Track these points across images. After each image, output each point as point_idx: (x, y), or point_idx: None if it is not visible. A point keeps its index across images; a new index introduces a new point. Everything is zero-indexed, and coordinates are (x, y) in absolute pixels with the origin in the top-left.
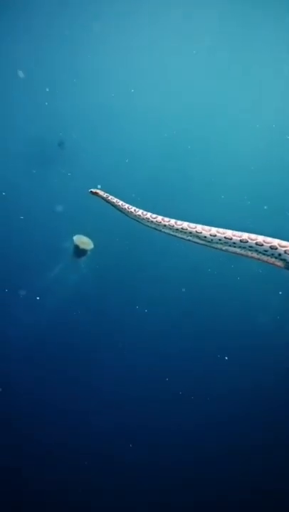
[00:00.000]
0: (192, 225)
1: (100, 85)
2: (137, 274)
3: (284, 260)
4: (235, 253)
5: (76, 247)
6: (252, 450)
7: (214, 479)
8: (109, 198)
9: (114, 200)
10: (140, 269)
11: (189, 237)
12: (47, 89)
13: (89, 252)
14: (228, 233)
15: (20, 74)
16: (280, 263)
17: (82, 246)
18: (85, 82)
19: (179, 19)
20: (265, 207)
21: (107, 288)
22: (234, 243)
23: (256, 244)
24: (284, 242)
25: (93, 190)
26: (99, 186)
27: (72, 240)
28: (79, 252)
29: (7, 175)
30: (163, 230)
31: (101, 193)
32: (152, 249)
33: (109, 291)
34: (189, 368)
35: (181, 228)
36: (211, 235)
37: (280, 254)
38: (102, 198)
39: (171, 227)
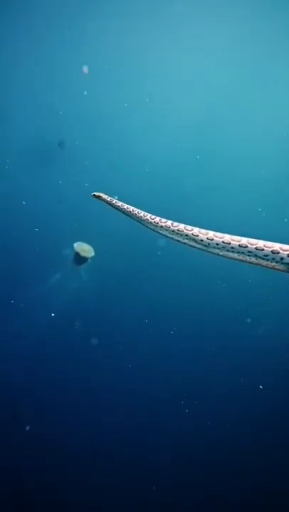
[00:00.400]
0: (189, 227)
1: (101, 85)
2: (139, 282)
3: (287, 264)
4: (232, 258)
5: (77, 254)
6: (252, 451)
7: (214, 480)
8: (114, 201)
9: (120, 203)
10: (142, 277)
11: (186, 240)
12: (85, 93)
13: (90, 260)
14: (226, 238)
15: (85, 70)
16: (281, 267)
17: (82, 254)
18: (86, 83)
19: (188, 28)
20: (286, 219)
21: (107, 297)
22: (232, 248)
23: (256, 249)
24: (286, 246)
25: (96, 193)
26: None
27: (73, 247)
28: (79, 259)
29: (7, 175)
30: (160, 231)
31: (104, 196)
32: (154, 257)
33: (110, 300)
34: (190, 375)
35: (177, 230)
36: (208, 239)
37: (282, 258)
38: (106, 201)
39: (167, 229)
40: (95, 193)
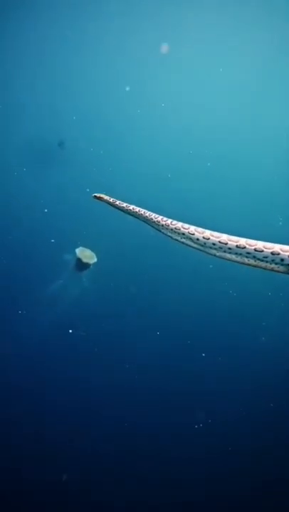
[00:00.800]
0: (186, 225)
1: (101, 86)
2: (141, 288)
3: (287, 265)
4: (230, 260)
5: (79, 260)
6: (253, 452)
7: (215, 480)
8: (116, 202)
9: (124, 204)
10: (144, 283)
11: (183, 239)
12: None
13: (92, 266)
14: (224, 238)
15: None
16: (281, 268)
17: (85, 260)
18: (87, 83)
19: (192, 27)
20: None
21: (109, 304)
22: (230, 249)
23: (255, 250)
24: (286, 247)
25: (97, 194)
26: (88, 190)
27: (75, 253)
28: (81, 265)
29: (7, 177)
30: (162, 230)
31: (106, 197)
32: (158, 263)
33: (112, 307)
34: (192, 380)
35: (175, 228)
36: (204, 238)
37: (282, 260)
38: (107, 202)
39: (167, 227)
40: (96, 194)
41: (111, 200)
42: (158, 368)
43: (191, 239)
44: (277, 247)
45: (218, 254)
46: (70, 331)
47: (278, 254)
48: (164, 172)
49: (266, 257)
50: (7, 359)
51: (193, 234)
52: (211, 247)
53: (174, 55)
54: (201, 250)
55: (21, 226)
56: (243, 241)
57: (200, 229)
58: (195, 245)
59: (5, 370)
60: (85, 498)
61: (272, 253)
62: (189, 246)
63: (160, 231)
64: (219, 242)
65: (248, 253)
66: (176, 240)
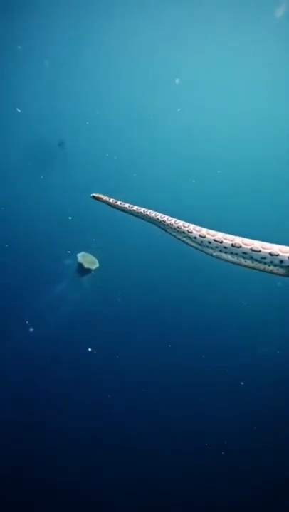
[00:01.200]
0: (186, 224)
1: (101, 86)
2: (143, 295)
3: (286, 267)
4: (227, 261)
5: (80, 265)
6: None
7: (216, 484)
8: (117, 202)
9: (126, 205)
10: (147, 290)
11: (184, 239)
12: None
13: (93, 272)
14: (219, 236)
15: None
16: (281, 271)
17: (86, 265)
18: (87, 83)
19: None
20: None
21: (111, 310)
22: (225, 248)
23: (252, 250)
24: (286, 248)
25: (95, 194)
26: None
27: (77, 258)
28: (83, 270)
29: (8, 177)
30: (168, 230)
31: (105, 197)
32: (162, 270)
33: (113, 314)
34: (194, 388)
35: (177, 227)
36: (200, 236)
37: (282, 261)
38: (106, 202)
39: (170, 226)
40: (94, 194)
41: (111, 201)
42: (160, 375)
43: (190, 237)
44: (276, 248)
45: (214, 254)
46: (90, 349)
47: (277, 255)
48: (170, 174)
49: (264, 258)
50: (7, 365)
51: (192, 232)
52: (207, 246)
53: (176, 55)
54: (199, 250)
55: (22, 231)
56: (238, 240)
57: (198, 227)
58: (194, 244)
59: (5, 376)
60: (86, 498)
61: (270, 254)
62: (190, 246)
63: (166, 231)
64: (214, 240)
65: (245, 253)
66: (179, 239)
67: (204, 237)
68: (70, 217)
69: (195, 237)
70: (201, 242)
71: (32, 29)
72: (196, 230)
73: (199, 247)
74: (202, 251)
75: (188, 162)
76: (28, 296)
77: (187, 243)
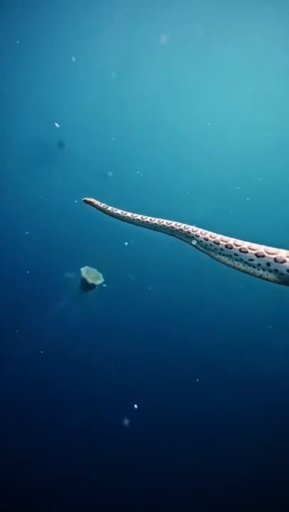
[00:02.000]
0: (189, 227)
1: (102, 86)
2: (147, 310)
3: (275, 271)
4: (225, 264)
5: (84, 280)
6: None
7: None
8: (108, 208)
9: (119, 211)
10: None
11: (187, 240)
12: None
13: (97, 287)
14: (217, 238)
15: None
16: (270, 276)
17: (90, 280)
18: (86, 84)
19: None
20: None
21: (114, 325)
22: (221, 250)
23: (240, 251)
24: (272, 249)
25: (87, 199)
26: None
27: (80, 272)
28: (86, 286)
29: (7, 177)
30: (164, 231)
31: (96, 202)
32: (168, 285)
33: (116, 329)
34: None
35: (179, 230)
36: (204, 239)
37: (268, 264)
38: (97, 207)
39: (163, 226)
40: (86, 199)
41: (102, 206)
42: (165, 390)
43: (189, 237)
44: (261, 248)
45: (216, 257)
46: (136, 406)
47: (263, 256)
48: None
49: (252, 260)
50: (10, 380)
51: (198, 236)
52: (210, 249)
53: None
54: (205, 253)
55: (24, 243)
56: (231, 241)
57: (204, 230)
58: (201, 248)
59: (8, 389)
60: (85, 499)
61: (256, 255)
62: (196, 248)
63: (172, 235)
64: (214, 242)
65: (236, 255)
66: (181, 239)
67: (207, 239)
68: (73, 231)
69: (200, 241)
70: (206, 245)
71: (32, 29)
72: (202, 233)
73: (205, 251)
74: (208, 255)
75: (188, 162)
76: (31, 313)
77: (193, 244)
